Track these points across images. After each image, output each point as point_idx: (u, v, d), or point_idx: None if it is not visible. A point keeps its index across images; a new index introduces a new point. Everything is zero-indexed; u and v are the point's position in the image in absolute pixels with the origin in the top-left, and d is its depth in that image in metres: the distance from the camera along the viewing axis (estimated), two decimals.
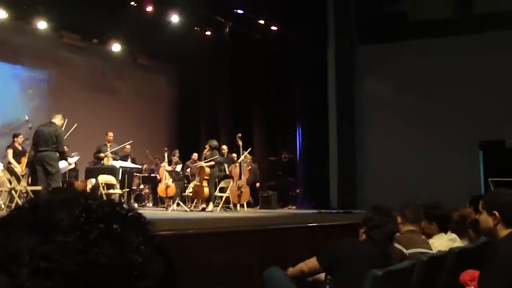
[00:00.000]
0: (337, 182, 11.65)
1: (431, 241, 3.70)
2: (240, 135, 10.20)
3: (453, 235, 3.85)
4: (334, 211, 10.28)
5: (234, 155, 10.90)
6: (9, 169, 8.45)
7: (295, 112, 12.69)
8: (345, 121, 11.79)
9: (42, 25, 12.57)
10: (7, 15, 11.97)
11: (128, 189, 9.95)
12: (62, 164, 7.77)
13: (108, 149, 9.84)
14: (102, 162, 9.57)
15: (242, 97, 13.69)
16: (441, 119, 11.00)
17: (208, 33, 13.83)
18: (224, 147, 10.75)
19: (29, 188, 7.49)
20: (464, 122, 10.78)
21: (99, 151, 9.81)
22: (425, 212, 3.81)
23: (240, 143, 10.14)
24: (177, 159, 10.85)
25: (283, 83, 13.19)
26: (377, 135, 11.48)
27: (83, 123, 10.08)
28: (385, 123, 11.43)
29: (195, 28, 13.59)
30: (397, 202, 4.08)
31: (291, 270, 3.35)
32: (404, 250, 3.37)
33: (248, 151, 10.29)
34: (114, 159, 9.53)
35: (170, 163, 10.45)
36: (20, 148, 9.34)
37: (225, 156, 10.60)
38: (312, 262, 3.19)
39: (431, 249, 3.47)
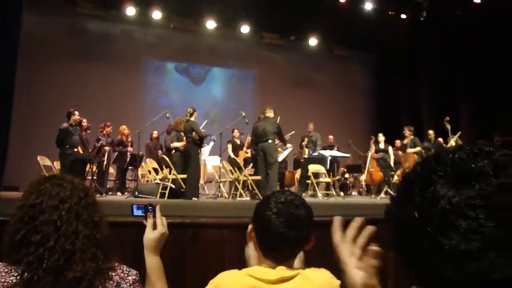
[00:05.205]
0: None
1: None
2: (448, 118, 9.66)
3: None
4: None
5: (440, 139, 10.38)
6: (231, 161, 9.32)
7: (508, 88, 11.48)
8: None
9: (245, 29, 13.66)
10: (216, 24, 13.30)
11: (334, 178, 10.17)
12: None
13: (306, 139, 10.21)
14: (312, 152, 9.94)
15: (444, 79, 12.91)
16: None
17: (403, 16, 13.40)
18: (431, 132, 10.30)
19: (251, 177, 8.14)
20: None
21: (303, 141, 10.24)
22: None
23: (449, 127, 9.60)
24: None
25: (491, 60, 12.01)
26: None
27: (287, 116, 10.60)
28: None
29: (390, 13, 13.27)
30: None
31: None
32: None
33: (457, 135, 9.67)
34: (323, 149, 9.85)
35: (377, 151, 10.36)
36: (238, 141, 10.24)
37: (431, 141, 10.17)
38: None
39: None
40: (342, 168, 11.44)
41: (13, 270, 1.36)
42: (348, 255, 0.97)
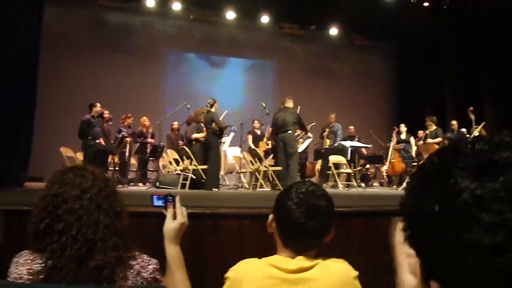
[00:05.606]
0: None
1: None
2: (471, 108, 9.49)
3: None
4: None
5: (464, 130, 10.23)
6: (251, 152, 9.32)
7: None
8: None
9: (264, 19, 13.62)
10: (236, 15, 13.28)
11: (355, 169, 10.11)
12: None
13: (327, 130, 10.15)
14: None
15: (467, 68, 12.66)
16: None
17: (425, 4, 13.19)
18: (454, 122, 10.17)
19: (271, 168, 8.15)
20: None
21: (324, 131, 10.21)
22: None
23: (473, 117, 9.44)
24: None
25: None
26: None
27: (307, 106, 10.54)
28: None
29: (412, 1, 13.08)
30: None
31: None
32: None
33: (482, 125, 9.50)
34: (344, 140, 9.80)
35: (399, 142, 10.26)
36: (258, 132, 10.23)
37: (454, 132, 10.03)
38: None
39: None
40: (363, 151, 11.26)
41: (37, 258, 1.39)
42: (405, 258, 0.97)
